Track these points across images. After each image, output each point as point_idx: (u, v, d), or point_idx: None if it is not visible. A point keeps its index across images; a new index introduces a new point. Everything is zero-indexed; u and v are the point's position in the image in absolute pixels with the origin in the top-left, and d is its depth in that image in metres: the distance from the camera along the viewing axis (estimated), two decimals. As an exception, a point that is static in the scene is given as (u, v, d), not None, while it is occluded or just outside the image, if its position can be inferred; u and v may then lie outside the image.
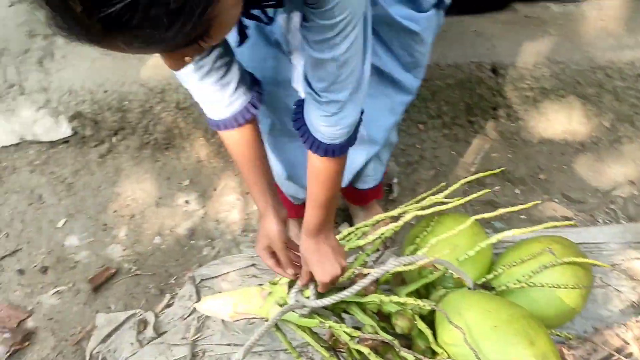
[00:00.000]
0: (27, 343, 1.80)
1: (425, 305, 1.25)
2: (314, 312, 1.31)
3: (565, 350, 1.44)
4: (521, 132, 2.05)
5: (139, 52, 0.66)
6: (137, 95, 2.11)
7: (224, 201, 2.10)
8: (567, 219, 1.92)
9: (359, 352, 1.26)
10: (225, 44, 1.04)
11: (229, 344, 1.69)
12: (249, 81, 1.14)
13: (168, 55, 0.73)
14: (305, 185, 1.25)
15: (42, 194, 2.21)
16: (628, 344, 1.45)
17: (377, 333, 1.26)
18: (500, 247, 1.67)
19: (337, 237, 1.32)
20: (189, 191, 2.14)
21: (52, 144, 2.26)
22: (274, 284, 1.37)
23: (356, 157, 1.43)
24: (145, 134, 2.19)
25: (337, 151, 1.06)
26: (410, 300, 1.26)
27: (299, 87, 1.21)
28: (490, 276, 1.46)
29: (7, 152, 2.30)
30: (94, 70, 2.15)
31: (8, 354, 1.76)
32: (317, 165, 1.10)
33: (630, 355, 1.43)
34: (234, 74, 1.08)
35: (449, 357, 1.25)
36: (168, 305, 1.83)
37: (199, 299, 1.79)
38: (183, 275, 1.93)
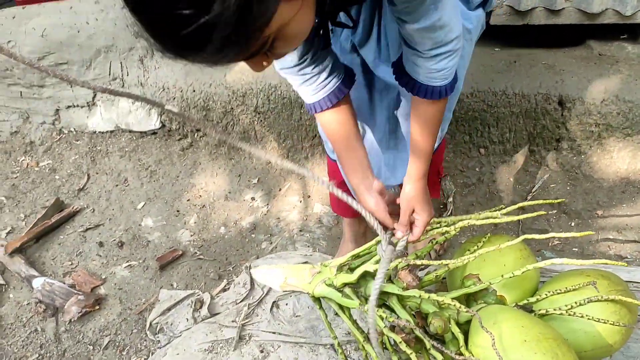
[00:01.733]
0: (97, 307, 1.99)
1: (462, 309, 1.31)
2: (357, 294, 1.39)
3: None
4: (582, 166, 2.05)
5: (209, 65, 0.76)
6: (221, 96, 2.30)
7: (286, 201, 2.24)
8: (620, 257, 1.90)
9: (390, 344, 1.34)
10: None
11: (274, 332, 1.79)
12: (342, 67, 1.26)
13: (249, 62, 0.84)
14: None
15: (127, 177, 2.44)
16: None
17: (412, 328, 1.34)
18: (549, 275, 1.68)
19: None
20: (256, 189, 2.30)
21: (142, 134, 2.50)
22: (325, 265, 1.47)
23: None
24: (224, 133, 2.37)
25: (443, 92, 1.16)
26: (448, 300, 1.33)
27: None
28: (532, 299, 1.49)
29: (102, 138, 2.55)
30: (185, 71, 2.37)
31: (80, 314, 1.96)
32: (423, 110, 1.21)
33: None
34: (321, 71, 1.21)
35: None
36: (224, 290, 1.97)
37: (252, 287, 1.93)
38: (241, 264, 2.07)
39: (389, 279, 1.43)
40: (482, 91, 2.04)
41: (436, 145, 1.58)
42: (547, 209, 1.93)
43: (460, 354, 1.32)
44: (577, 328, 1.39)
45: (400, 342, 1.29)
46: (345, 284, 1.42)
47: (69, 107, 2.53)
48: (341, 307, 1.42)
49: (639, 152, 2.00)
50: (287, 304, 1.87)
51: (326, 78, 1.21)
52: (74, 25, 2.37)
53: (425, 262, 1.36)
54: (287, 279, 1.48)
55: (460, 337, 1.33)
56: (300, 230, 2.14)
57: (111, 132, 2.54)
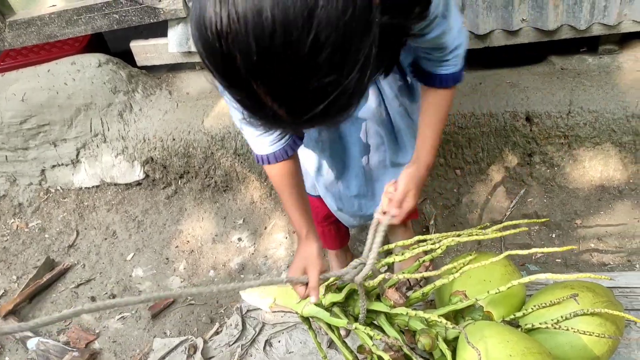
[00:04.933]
0: (92, 361, 2.01)
1: (450, 325, 1.33)
2: (345, 313, 1.42)
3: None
4: (557, 178, 2.09)
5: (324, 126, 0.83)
6: (201, 142, 2.35)
7: (272, 239, 2.27)
8: (603, 264, 1.93)
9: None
10: None
11: (268, 371, 1.81)
12: None
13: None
14: (355, 213, 1.53)
15: (115, 230, 2.47)
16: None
17: (400, 346, 1.36)
18: (535, 288, 1.71)
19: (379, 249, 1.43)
20: (242, 229, 2.33)
21: (127, 185, 2.54)
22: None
23: None
24: (206, 178, 2.42)
25: (454, 78, 1.25)
26: (435, 317, 1.35)
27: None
28: (519, 314, 1.51)
29: (89, 193, 2.60)
30: (164, 121, 2.43)
31: (76, 370, 1.97)
32: (437, 100, 1.29)
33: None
34: None
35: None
36: (216, 333, 1.99)
37: (244, 328, 1.95)
38: (231, 306, 2.09)
39: (377, 298, 1.46)
40: (451, 114, 2.09)
41: None
42: (528, 223, 1.96)
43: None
44: (563, 342, 1.42)
45: (388, 358, 1.31)
46: (334, 303, 1.45)
47: (54, 166, 2.58)
48: (330, 326, 1.45)
49: (610, 159, 2.05)
50: (279, 341, 1.88)
51: (279, 134, 1.24)
52: (53, 87, 2.44)
53: (411, 275, 1.40)
54: (276, 300, 1.51)
55: (448, 353, 1.35)
56: (288, 266, 2.16)
57: (97, 186, 2.58)
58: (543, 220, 1.70)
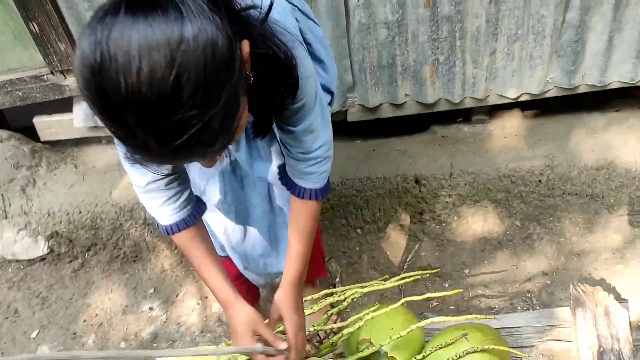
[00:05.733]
0: None
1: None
2: None
3: None
4: (445, 233, 2.33)
5: (192, 161, 0.90)
6: (109, 214, 2.38)
7: (184, 306, 2.31)
8: (490, 307, 2.15)
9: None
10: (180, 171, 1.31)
11: None
12: (194, 197, 1.40)
13: (208, 160, 0.98)
14: (261, 272, 1.62)
15: (17, 307, 2.40)
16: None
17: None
18: (431, 335, 1.88)
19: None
20: (153, 298, 2.35)
21: (30, 261, 2.49)
22: (229, 344, 1.56)
23: None
24: (115, 249, 2.43)
25: (319, 193, 1.35)
26: None
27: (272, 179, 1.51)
28: (419, 356, 1.67)
29: (-13, 272, 2.51)
30: (70, 194, 2.44)
31: None
32: (300, 212, 1.38)
33: None
34: (184, 189, 1.34)
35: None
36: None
37: (159, 397, 1.95)
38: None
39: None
40: (349, 179, 2.30)
41: None
42: (423, 274, 2.17)
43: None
44: None
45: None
46: (248, 363, 1.53)
47: (-52, 245, 2.48)
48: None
49: (488, 214, 2.32)
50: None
51: (188, 196, 1.32)
52: (-50, 164, 2.39)
53: (321, 328, 1.52)
54: (194, 369, 1.56)
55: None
56: (202, 332, 2.20)
57: (-4, 264, 2.50)
58: (435, 271, 1.89)
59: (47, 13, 2.16)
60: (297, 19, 1.28)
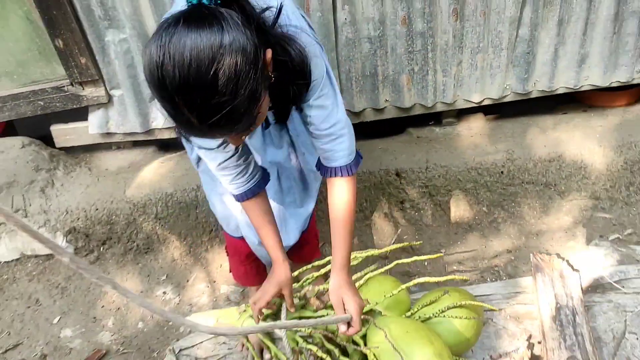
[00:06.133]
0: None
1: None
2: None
3: (468, 372, 1.94)
4: (423, 219, 2.68)
5: (224, 136, 1.22)
6: (123, 210, 2.64)
7: (195, 289, 2.58)
8: (465, 281, 2.49)
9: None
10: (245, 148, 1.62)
11: (205, 398, 2.09)
12: (260, 168, 1.71)
13: (234, 137, 1.28)
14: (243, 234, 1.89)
15: (38, 298, 2.62)
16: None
17: (323, 344, 1.75)
18: (416, 299, 2.20)
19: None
20: (166, 284, 2.62)
21: (48, 256, 2.72)
22: (249, 305, 1.85)
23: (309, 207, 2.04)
24: (128, 242, 2.69)
25: (344, 170, 1.57)
26: None
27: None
28: (407, 314, 1.99)
29: (8, 267, 2.73)
30: (86, 194, 2.70)
31: None
32: (334, 193, 1.62)
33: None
34: (251, 165, 1.65)
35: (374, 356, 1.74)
36: (153, 373, 2.23)
37: (178, 366, 2.21)
38: (163, 349, 2.34)
39: (303, 307, 1.86)
40: (339, 174, 2.63)
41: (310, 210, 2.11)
42: (406, 255, 2.49)
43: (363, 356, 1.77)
44: (442, 329, 1.90)
45: (317, 350, 1.70)
46: (267, 316, 1.82)
47: (-29, 243, 2.70)
48: (265, 334, 1.82)
49: (459, 202, 2.68)
50: (212, 371, 2.17)
51: (252, 171, 1.63)
52: (-24, 168, 2.63)
53: (326, 285, 1.83)
54: (219, 320, 1.84)
55: (360, 341, 1.78)
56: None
57: (17, 259, 2.72)
58: (418, 243, 2.22)
59: (72, 30, 2.45)
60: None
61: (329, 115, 1.51)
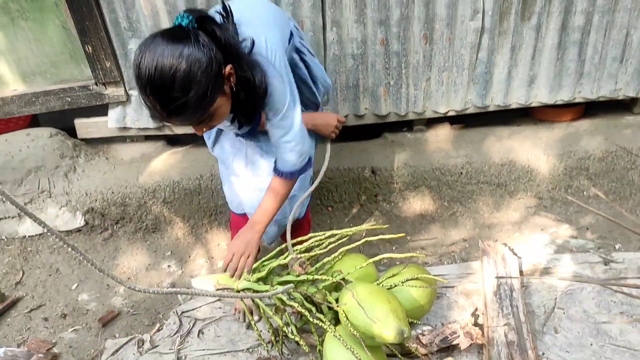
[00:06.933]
0: (55, 360, 2.53)
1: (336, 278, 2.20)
2: (266, 284, 2.21)
3: (421, 336, 2.36)
4: (394, 210, 3.13)
5: (182, 125, 1.67)
6: (136, 194, 3.06)
7: (196, 264, 3.00)
8: (426, 263, 2.93)
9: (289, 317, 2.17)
10: None
11: (202, 349, 2.48)
12: None
13: (195, 127, 1.74)
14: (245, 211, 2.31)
15: (59, 267, 3.01)
16: (457, 333, 2.37)
17: (303, 303, 2.18)
18: (382, 274, 2.62)
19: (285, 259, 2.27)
20: (170, 259, 3.03)
21: (69, 232, 3.12)
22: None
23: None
24: (139, 222, 3.11)
25: (294, 174, 2.03)
26: (325, 278, 2.21)
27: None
28: (375, 283, 2.42)
29: (32, 241, 3.12)
30: (104, 179, 3.12)
31: (41, 370, 2.48)
32: (277, 186, 2.06)
33: (457, 337, 2.35)
34: None
35: (345, 314, 2.16)
36: (158, 330, 2.62)
37: (181, 324, 2.62)
38: (168, 311, 2.74)
39: (287, 274, 2.28)
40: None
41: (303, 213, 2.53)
42: (377, 242, 2.90)
43: (334, 312, 2.20)
44: (401, 297, 2.30)
45: (298, 306, 2.13)
46: (258, 279, 2.25)
47: (0, 219, 3.10)
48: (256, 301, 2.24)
49: (425, 197, 3.13)
50: (209, 330, 2.56)
51: None
52: (9, 153, 3.03)
53: (309, 255, 2.26)
54: (219, 281, 2.26)
55: (333, 301, 2.21)
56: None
57: (40, 235, 3.12)
58: (385, 226, 2.65)
59: (100, 38, 2.88)
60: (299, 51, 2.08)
61: (284, 135, 1.93)
